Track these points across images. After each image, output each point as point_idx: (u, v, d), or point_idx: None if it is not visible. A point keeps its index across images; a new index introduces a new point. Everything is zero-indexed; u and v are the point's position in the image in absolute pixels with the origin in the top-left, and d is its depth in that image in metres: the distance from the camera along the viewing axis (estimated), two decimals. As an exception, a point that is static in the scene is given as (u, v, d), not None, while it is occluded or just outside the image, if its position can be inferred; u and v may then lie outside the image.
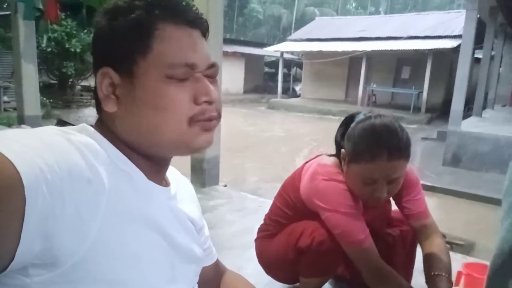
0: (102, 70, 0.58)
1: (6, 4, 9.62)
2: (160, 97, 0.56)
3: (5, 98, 9.01)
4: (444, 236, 3.18)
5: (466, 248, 3.29)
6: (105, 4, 0.62)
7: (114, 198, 0.52)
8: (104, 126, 0.61)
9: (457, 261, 1.55)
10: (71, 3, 3.58)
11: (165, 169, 0.68)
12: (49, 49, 10.24)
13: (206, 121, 0.59)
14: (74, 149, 0.50)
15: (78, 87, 12.48)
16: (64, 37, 10.41)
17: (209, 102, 0.59)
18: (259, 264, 1.57)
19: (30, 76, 5.11)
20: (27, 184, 0.41)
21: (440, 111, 14.29)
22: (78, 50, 10.67)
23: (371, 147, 1.15)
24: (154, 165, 0.63)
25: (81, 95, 12.24)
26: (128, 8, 0.57)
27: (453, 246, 3.03)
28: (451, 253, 1.44)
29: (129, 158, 0.59)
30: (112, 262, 0.52)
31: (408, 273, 1.55)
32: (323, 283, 1.49)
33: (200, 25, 0.61)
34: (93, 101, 0.63)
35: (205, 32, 0.63)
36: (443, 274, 1.21)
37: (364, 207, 1.33)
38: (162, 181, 0.67)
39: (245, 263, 1.91)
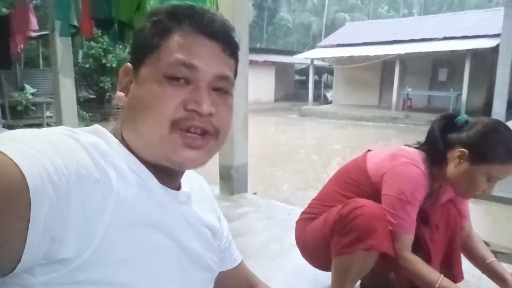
0: (123, 67, 0.61)
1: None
2: (151, 96, 0.55)
3: (48, 113, 9.44)
4: (487, 244, 2.98)
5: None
6: (136, 18, 0.67)
7: (122, 199, 0.51)
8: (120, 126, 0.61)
9: (503, 272, 1.44)
10: (104, 19, 3.72)
11: (180, 174, 0.65)
12: (87, 65, 10.75)
13: (188, 131, 0.55)
14: (82, 149, 0.49)
15: (115, 101, 13.00)
16: (101, 53, 10.90)
17: (199, 113, 0.55)
18: (287, 274, 1.52)
19: (68, 90, 5.34)
20: (33, 187, 0.41)
21: (481, 114, 13.57)
22: (114, 65, 11.11)
23: (509, 151, 1.25)
24: (164, 170, 0.61)
25: (118, 109, 12.72)
26: (154, 12, 0.59)
27: (498, 255, 2.82)
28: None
29: (141, 160, 0.58)
30: (118, 264, 0.51)
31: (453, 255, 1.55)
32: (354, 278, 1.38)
33: (222, 39, 0.58)
34: None
35: (229, 48, 0.60)
36: (495, 259, 1.42)
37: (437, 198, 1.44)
38: (175, 184, 0.65)
39: (272, 273, 1.85)
